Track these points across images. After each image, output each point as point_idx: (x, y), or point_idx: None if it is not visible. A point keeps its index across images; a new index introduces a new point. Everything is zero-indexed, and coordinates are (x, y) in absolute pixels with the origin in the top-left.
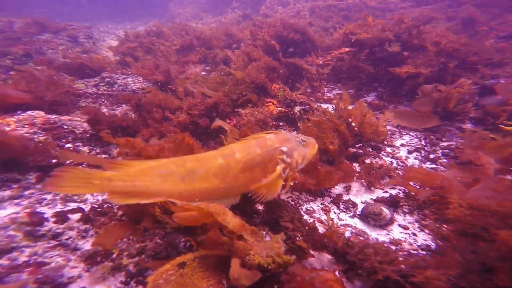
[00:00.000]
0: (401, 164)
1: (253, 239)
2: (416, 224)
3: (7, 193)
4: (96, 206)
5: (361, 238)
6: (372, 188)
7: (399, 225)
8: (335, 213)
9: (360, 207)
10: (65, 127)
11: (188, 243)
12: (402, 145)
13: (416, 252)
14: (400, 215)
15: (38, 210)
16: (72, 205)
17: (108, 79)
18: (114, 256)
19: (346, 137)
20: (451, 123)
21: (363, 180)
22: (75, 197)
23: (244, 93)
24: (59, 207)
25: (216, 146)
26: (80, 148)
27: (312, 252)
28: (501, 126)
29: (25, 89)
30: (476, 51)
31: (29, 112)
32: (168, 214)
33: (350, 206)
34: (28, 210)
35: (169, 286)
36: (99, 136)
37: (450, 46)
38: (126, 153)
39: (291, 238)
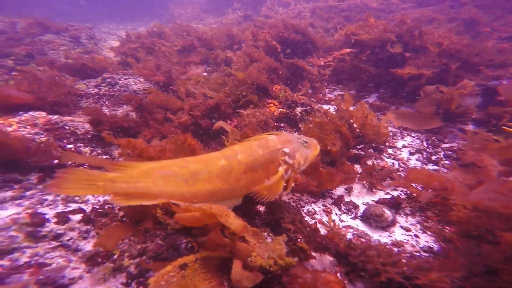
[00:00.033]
0: (402, 165)
1: (255, 241)
2: (418, 226)
3: (9, 193)
4: (97, 207)
5: (363, 239)
6: (374, 190)
7: (401, 227)
8: (336, 214)
9: (362, 208)
10: (67, 127)
11: (190, 244)
12: (403, 146)
13: (418, 254)
14: (402, 216)
15: (39, 210)
16: (73, 206)
17: (110, 80)
18: (115, 257)
19: (348, 138)
20: (453, 124)
21: (365, 182)
22: (76, 198)
23: (245, 94)
24: (60, 208)
25: (217, 147)
26: (81, 148)
27: (313, 254)
28: (504, 127)
29: (27, 89)
30: (478, 52)
31: (31, 113)
32: (170, 215)
33: (351, 207)
34: (29, 211)
35: (170, 287)
36: (100, 136)
37: (452, 47)
38: (128, 154)
39: (292, 240)
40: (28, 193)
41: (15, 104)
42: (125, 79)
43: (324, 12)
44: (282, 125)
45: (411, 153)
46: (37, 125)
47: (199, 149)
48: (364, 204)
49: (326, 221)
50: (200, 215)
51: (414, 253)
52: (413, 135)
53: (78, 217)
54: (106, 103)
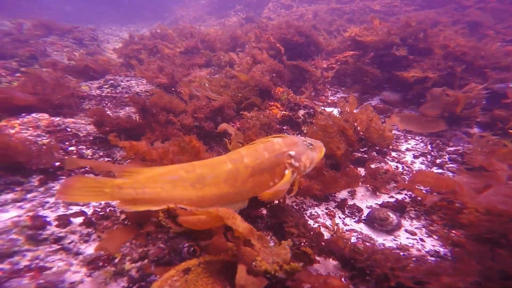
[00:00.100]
0: (407, 169)
1: (260, 245)
2: (424, 230)
3: (10, 196)
4: (99, 209)
5: (367, 243)
6: (378, 193)
7: (406, 231)
8: (340, 218)
9: (366, 212)
10: (69, 129)
11: (192, 248)
12: (407, 149)
13: (425, 258)
14: (407, 220)
15: (40, 213)
16: (75, 209)
17: (112, 82)
18: (116, 260)
19: (352, 141)
20: (458, 127)
21: (368, 185)
22: None
23: (248, 96)
24: (61, 211)
25: (219, 149)
26: (83, 151)
27: (317, 258)
28: (510, 131)
29: (31, 91)
30: (483, 55)
31: (33, 115)
32: (172, 218)
33: (355, 211)
34: (30, 214)
35: None
36: (102, 139)
37: (458, 49)
38: (131, 157)
39: (296, 244)
40: (29, 195)
41: (17, 105)
42: (128, 81)
43: (327, 15)
44: (284, 127)
45: (415, 156)
46: (40, 127)
47: (203, 151)
48: (367, 208)
49: (330, 224)
50: (206, 218)
51: (421, 257)
52: (417, 138)
53: (80, 220)
54: (108, 105)
